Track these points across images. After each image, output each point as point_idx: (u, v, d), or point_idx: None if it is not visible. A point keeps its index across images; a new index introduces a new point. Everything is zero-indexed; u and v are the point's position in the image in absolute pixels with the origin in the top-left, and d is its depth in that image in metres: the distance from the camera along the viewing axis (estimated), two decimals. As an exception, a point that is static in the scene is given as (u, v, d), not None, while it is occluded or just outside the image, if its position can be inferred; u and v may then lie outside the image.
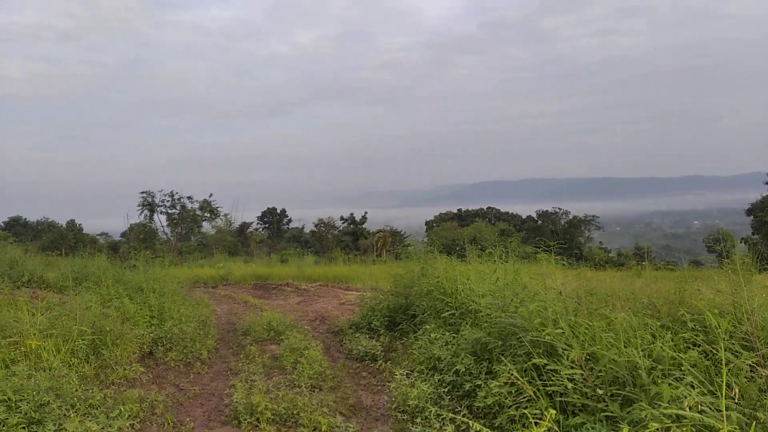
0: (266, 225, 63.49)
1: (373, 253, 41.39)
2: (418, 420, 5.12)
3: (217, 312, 12.50)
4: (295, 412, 5.35)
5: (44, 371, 5.53)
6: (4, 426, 4.31)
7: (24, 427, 4.41)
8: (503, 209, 65.47)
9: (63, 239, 43.46)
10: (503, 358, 4.98)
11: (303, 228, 67.76)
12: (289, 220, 65.87)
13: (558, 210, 60.24)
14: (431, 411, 5.06)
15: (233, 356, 8.26)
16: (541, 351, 4.68)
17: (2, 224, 52.29)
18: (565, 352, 4.33)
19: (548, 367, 4.36)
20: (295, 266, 25.19)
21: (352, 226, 54.89)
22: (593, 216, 58.47)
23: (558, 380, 4.15)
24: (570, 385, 4.02)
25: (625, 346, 4.21)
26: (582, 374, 4.08)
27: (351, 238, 51.96)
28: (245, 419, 5.27)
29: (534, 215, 62.10)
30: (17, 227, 51.44)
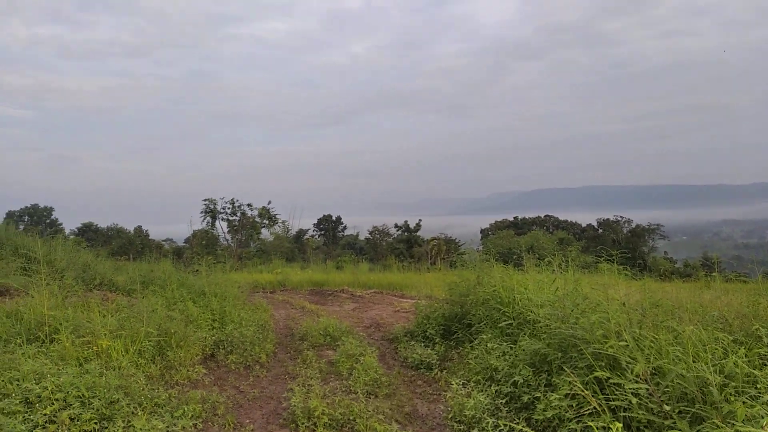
0: (322, 232, 64.52)
1: (427, 261, 41.26)
2: (475, 431, 5.05)
3: (276, 317, 12.76)
4: (351, 418, 5.39)
5: (114, 370, 5.79)
6: (78, 421, 4.54)
7: (96, 423, 4.63)
8: (562, 217, 63.94)
9: (131, 244, 45.61)
10: (564, 370, 4.84)
11: (357, 235, 68.44)
12: (344, 228, 66.71)
13: (620, 218, 58.30)
14: (488, 422, 4.98)
15: (291, 360, 8.40)
16: (603, 364, 4.52)
17: (76, 230, 55.40)
18: (629, 365, 4.17)
19: (611, 381, 4.22)
20: (350, 273, 25.42)
21: (406, 233, 54.96)
22: (657, 225, 56.22)
23: (622, 395, 4.00)
24: (635, 400, 3.86)
25: (694, 361, 4.01)
26: (647, 389, 3.91)
27: (405, 246, 52.03)
28: (302, 423, 5.35)
29: (594, 224, 60.31)
30: (89, 233, 54.38)
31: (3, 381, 4.99)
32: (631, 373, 4.05)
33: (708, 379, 3.72)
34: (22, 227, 47.60)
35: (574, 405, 4.57)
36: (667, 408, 3.74)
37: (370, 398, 6.19)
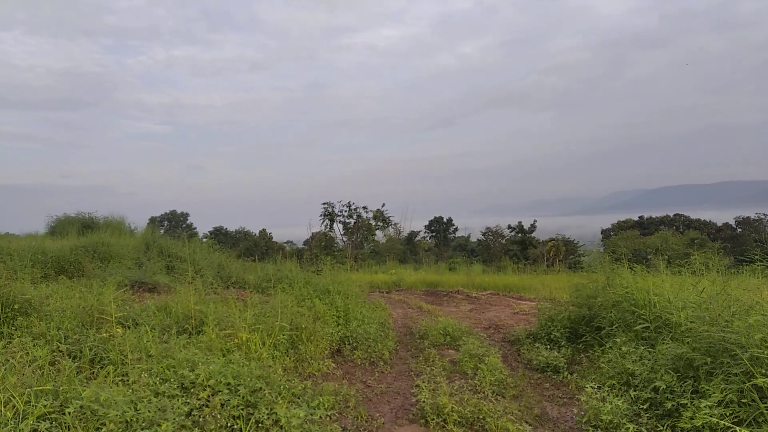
0: (433, 234, 64.67)
1: (543, 263, 39.93)
2: (613, 436, 4.81)
3: (393, 316, 12.99)
4: (480, 417, 5.36)
5: (255, 361, 6.21)
6: (227, 406, 4.93)
7: (242, 409, 4.99)
8: (693, 216, 58.95)
9: (256, 246, 48.67)
10: (714, 377, 4.48)
11: (469, 237, 67.81)
12: (455, 229, 66.38)
13: (762, 216, 52.61)
14: (629, 428, 4.72)
15: (412, 358, 8.52)
16: (764, 371, 4.12)
17: (208, 233, 60.12)
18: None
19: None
20: (464, 274, 25.26)
21: (519, 235, 53.56)
22: (809, 222, 50.07)
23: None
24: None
25: None
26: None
27: (519, 247, 50.71)
28: (432, 419, 5.40)
29: (732, 222, 54.96)
30: (220, 236, 58.72)
31: (162, 367, 5.54)
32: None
33: None
34: (162, 231, 52.49)
35: (727, 414, 4.22)
36: None
37: (497, 398, 6.12)
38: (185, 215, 67.90)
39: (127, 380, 5.15)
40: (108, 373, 5.22)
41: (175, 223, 66.30)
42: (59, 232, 20.13)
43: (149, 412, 4.32)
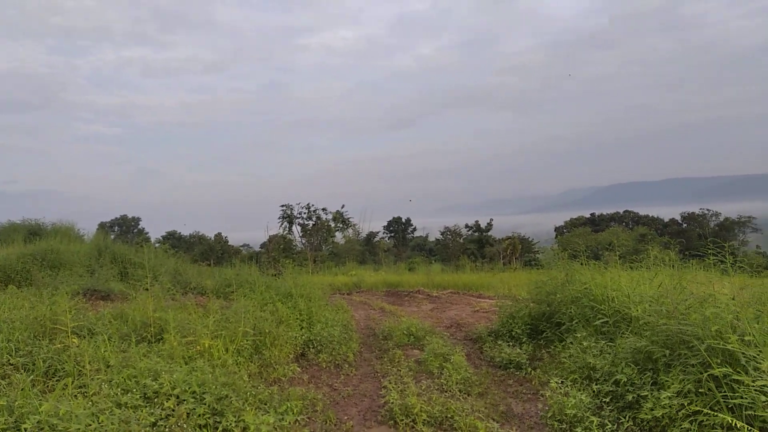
0: (392, 234, 64.86)
1: (500, 261, 40.63)
2: (579, 430, 4.93)
3: (356, 317, 12.96)
4: (449, 416, 5.41)
5: (220, 368, 6.09)
6: (193, 415, 4.81)
7: (209, 417, 4.89)
8: (642, 212, 61.14)
9: (212, 250, 47.68)
10: (672, 368, 4.65)
11: (427, 236, 68.32)
12: (414, 229, 66.75)
13: (706, 211, 55.06)
14: (593, 421, 4.86)
15: (377, 360, 8.52)
16: (719, 361, 4.30)
17: (161, 238, 58.55)
18: (750, 362, 3.95)
19: (729, 379, 4.01)
20: (423, 274, 25.44)
21: (477, 233, 54.31)
22: (749, 217, 52.67)
23: (746, 392, 3.79)
24: (762, 398, 3.65)
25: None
26: (775, 387, 3.69)
27: (476, 246, 51.42)
28: (401, 420, 5.42)
29: (678, 218, 57.28)
30: (173, 240, 57.27)
31: (123, 378, 5.36)
32: (755, 369, 3.84)
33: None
34: (113, 236, 50.82)
35: (685, 404, 4.39)
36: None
37: (464, 397, 6.18)
38: (137, 220, 65.98)
39: (87, 392, 4.96)
40: (66, 386, 5.01)
41: (126, 228, 64.34)
42: (4, 240, 19.24)
43: (112, 424, 4.17)
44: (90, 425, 4.06)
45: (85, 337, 6.67)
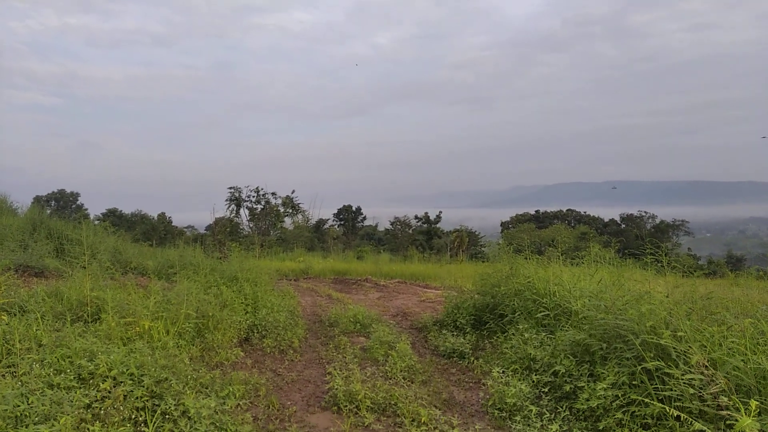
0: (342, 222, 64.68)
1: (447, 253, 41.22)
2: (518, 418, 5.07)
3: (302, 303, 12.88)
4: (392, 402, 5.46)
5: (159, 350, 5.91)
6: (130, 397, 4.66)
7: (147, 400, 4.74)
8: (584, 212, 63.28)
9: (154, 231, 46.25)
10: (608, 361, 4.84)
11: (377, 226, 68.48)
12: (364, 218, 66.78)
13: (644, 214, 57.55)
14: (531, 410, 5.00)
15: (322, 346, 8.49)
16: (652, 355, 4.51)
17: (101, 215, 56.31)
18: (681, 356, 4.15)
19: (661, 372, 4.21)
20: (372, 263, 25.52)
21: (426, 225, 54.87)
22: (682, 221, 55.42)
23: (675, 385, 3.99)
24: (690, 390, 3.85)
25: (753, 353, 3.99)
26: (702, 379, 3.90)
27: (425, 237, 51.97)
28: (345, 406, 5.42)
29: (617, 219, 59.63)
30: (113, 218, 55.19)
31: (56, 357, 5.13)
32: (684, 364, 4.04)
33: None
34: (49, 212, 48.56)
35: (619, 395, 4.58)
36: (724, 399, 3.72)
37: (408, 384, 6.25)
38: (75, 195, 63.15)
39: (16, 372, 4.72)
40: (-8, 365, 4.76)
41: (63, 203, 61.49)
42: (-74, 212, 18.00)
43: (43, 405, 3.99)
44: (19, 406, 3.87)
45: (15, 315, 6.34)
